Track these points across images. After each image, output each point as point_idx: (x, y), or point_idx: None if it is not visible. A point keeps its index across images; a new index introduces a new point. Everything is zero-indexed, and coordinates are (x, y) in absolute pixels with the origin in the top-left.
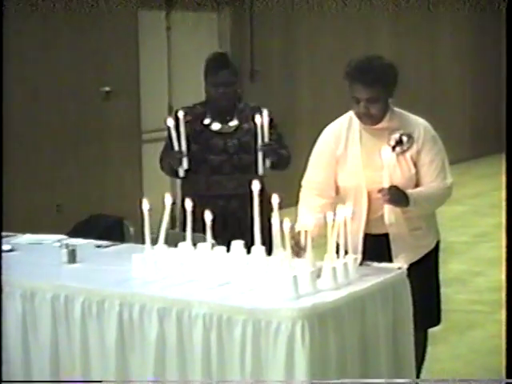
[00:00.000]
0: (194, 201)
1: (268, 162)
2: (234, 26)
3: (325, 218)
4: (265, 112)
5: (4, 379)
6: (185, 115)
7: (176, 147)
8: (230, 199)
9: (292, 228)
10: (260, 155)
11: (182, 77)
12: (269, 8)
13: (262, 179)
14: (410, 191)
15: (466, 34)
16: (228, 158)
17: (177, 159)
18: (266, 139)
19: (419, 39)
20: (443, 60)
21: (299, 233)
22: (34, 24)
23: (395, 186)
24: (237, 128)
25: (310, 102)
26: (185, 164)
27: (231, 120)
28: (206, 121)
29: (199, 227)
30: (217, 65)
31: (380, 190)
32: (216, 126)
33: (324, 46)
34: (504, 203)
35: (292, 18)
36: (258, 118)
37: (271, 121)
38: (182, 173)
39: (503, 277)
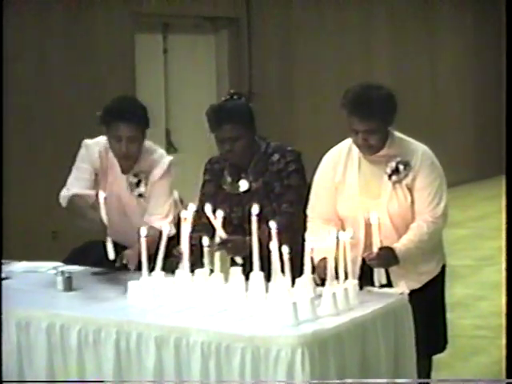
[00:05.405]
0: None
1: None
2: (231, 48)
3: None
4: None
5: None
6: (205, 172)
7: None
8: None
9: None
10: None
11: (180, 100)
12: (266, 30)
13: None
14: (398, 248)
15: (468, 52)
16: (234, 229)
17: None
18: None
19: (419, 59)
20: (446, 80)
21: (323, 260)
22: (31, 43)
23: (386, 248)
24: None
25: (309, 126)
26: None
27: (243, 178)
28: (225, 179)
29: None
30: (216, 118)
31: (368, 255)
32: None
33: (323, 67)
34: (504, 226)
35: (290, 39)
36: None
37: (287, 164)
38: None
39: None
